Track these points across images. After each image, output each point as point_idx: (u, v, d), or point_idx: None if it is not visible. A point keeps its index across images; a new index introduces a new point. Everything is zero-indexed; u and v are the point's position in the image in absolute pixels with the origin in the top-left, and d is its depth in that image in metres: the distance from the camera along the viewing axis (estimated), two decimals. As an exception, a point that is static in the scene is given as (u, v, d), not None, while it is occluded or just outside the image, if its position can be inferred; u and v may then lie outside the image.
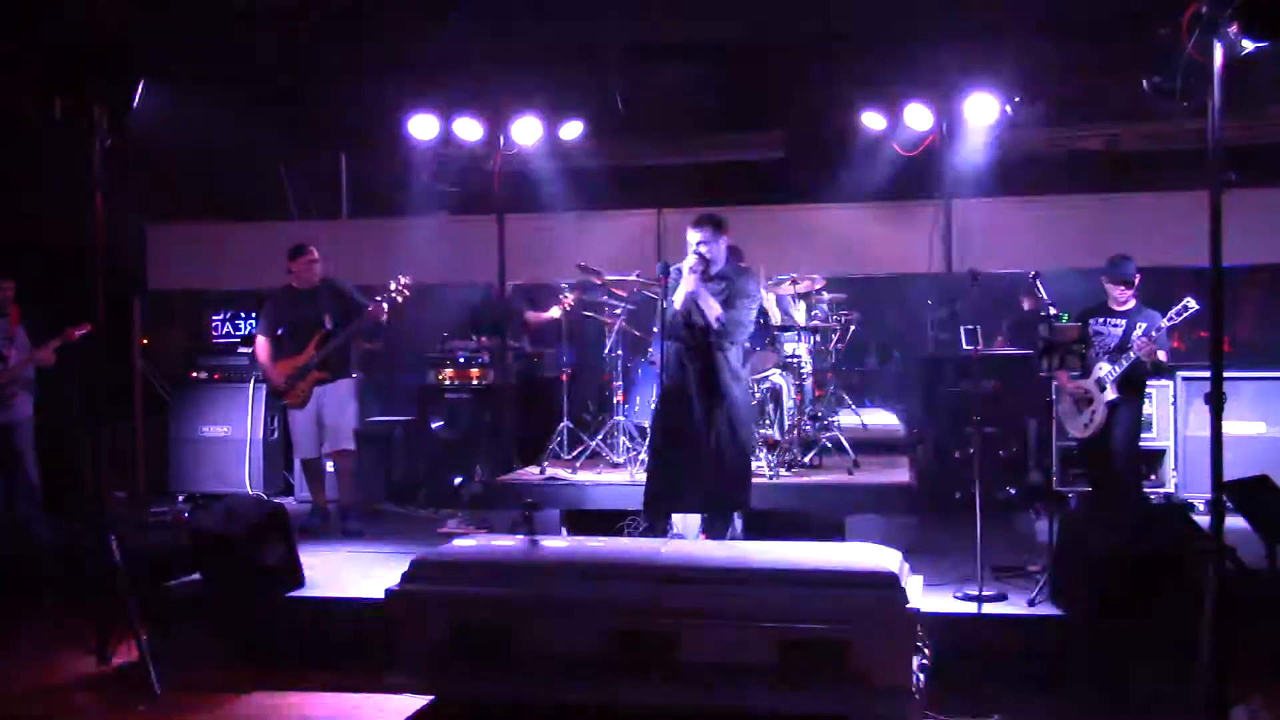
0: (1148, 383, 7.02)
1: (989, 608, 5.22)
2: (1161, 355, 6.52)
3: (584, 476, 7.27)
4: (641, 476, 6.48)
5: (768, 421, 7.45)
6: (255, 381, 8.81)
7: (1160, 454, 7.97)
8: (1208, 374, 4.21)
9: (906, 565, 4.68)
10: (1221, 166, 4.00)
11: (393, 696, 4.82)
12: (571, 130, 8.67)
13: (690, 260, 5.71)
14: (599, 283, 7.71)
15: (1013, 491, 8.11)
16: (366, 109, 9.31)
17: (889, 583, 4.38)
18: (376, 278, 7.80)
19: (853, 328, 9.24)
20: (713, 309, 5.69)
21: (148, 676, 5.07)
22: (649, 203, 9.52)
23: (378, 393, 9.80)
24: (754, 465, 6.48)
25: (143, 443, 9.70)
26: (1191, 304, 6.24)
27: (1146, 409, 7.40)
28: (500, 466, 8.11)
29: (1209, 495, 4.32)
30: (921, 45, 8.45)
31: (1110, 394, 6.60)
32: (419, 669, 4.69)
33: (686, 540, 6.11)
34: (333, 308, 7.52)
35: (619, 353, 7.61)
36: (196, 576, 5.89)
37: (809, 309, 8.39)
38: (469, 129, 8.53)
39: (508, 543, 5.47)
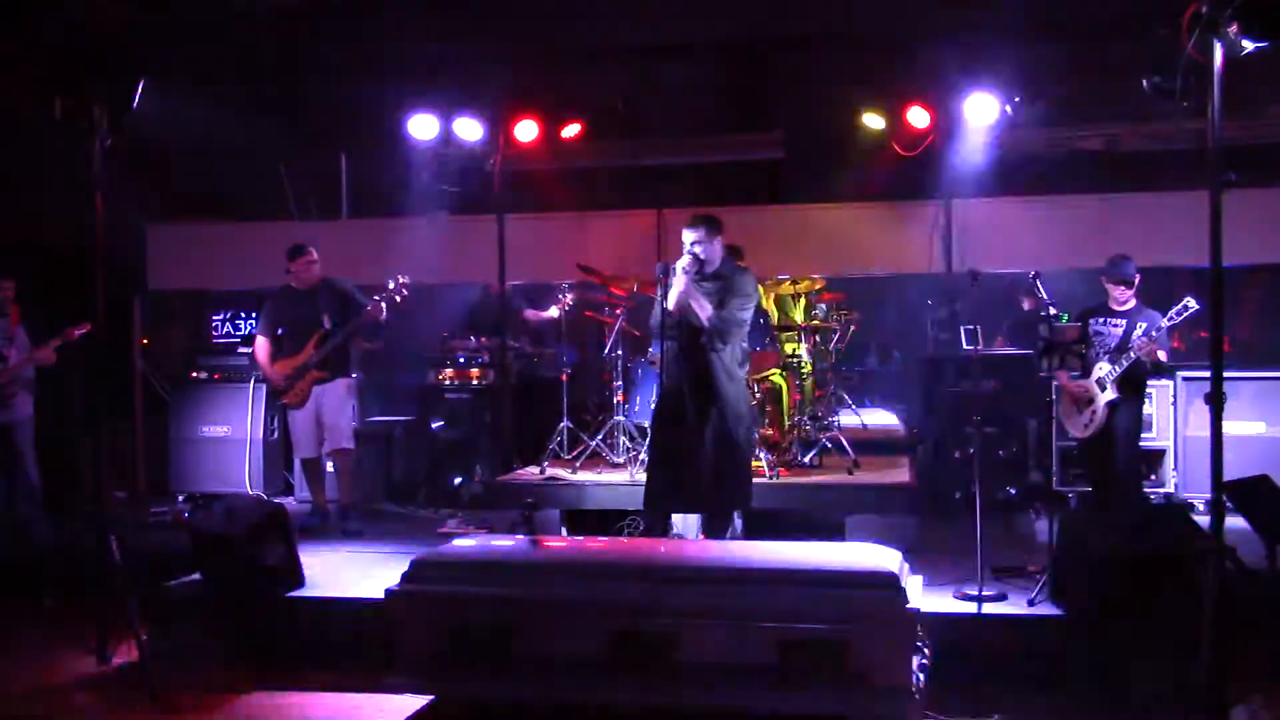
0: (1148, 383, 7.01)
1: (989, 608, 5.22)
2: (1162, 355, 6.52)
3: (584, 476, 7.27)
4: (641, 476, 6.48)
5: (767, 421, 7.46)
6: (255, 381, 8.80)
7: (1160, 454, 7.97)
8: (1208, 374, 4.21)
9: (906, 565, 4.68)
10: (1221, 166, 4.01)
11: (393, 696, 4.82)
12: (571, 130, 8.65)
13: (684, 260, 5.71)
14: (599, 282, 7.71)
15: (1013, 491, 8.11)
16: (366, 109, 9.32)
17: (889, 583, 4.38)
18: (376, 278, 7.80)
19: (853, 328, 9.24)
20: (704, 309, 5.69)
21: (148, 676, 5.07)
22: (649, 203, 9.52)
23: (378, 393, 9.81)
24: (754, 465, 6.48)
25: (143, 443, 9.70)
26: (1192, 304, 6.23)
27: (1146, 409, 7.40)
28: (500, 466, 8.12)
29: (1209, 495, 4.32)
30: (921, 45, 8.45)
31: (1110, 394, 6.60)
32: (419, 669, 4.69)
33: (686, 540, 6.11)
34: (332, 308, 7.53)
35: (619, 353, 7.61)
36: (196, 576, 5.89)
37: (809, 309, 8.40)
38: (469, 129, 8.52)
39: (508, 543, 5.47)
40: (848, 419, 9.01)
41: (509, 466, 8.03)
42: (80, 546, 6.50)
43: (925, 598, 4.75)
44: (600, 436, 7.64)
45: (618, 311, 7.71)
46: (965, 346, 8.02)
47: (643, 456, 6.93)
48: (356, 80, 9.18)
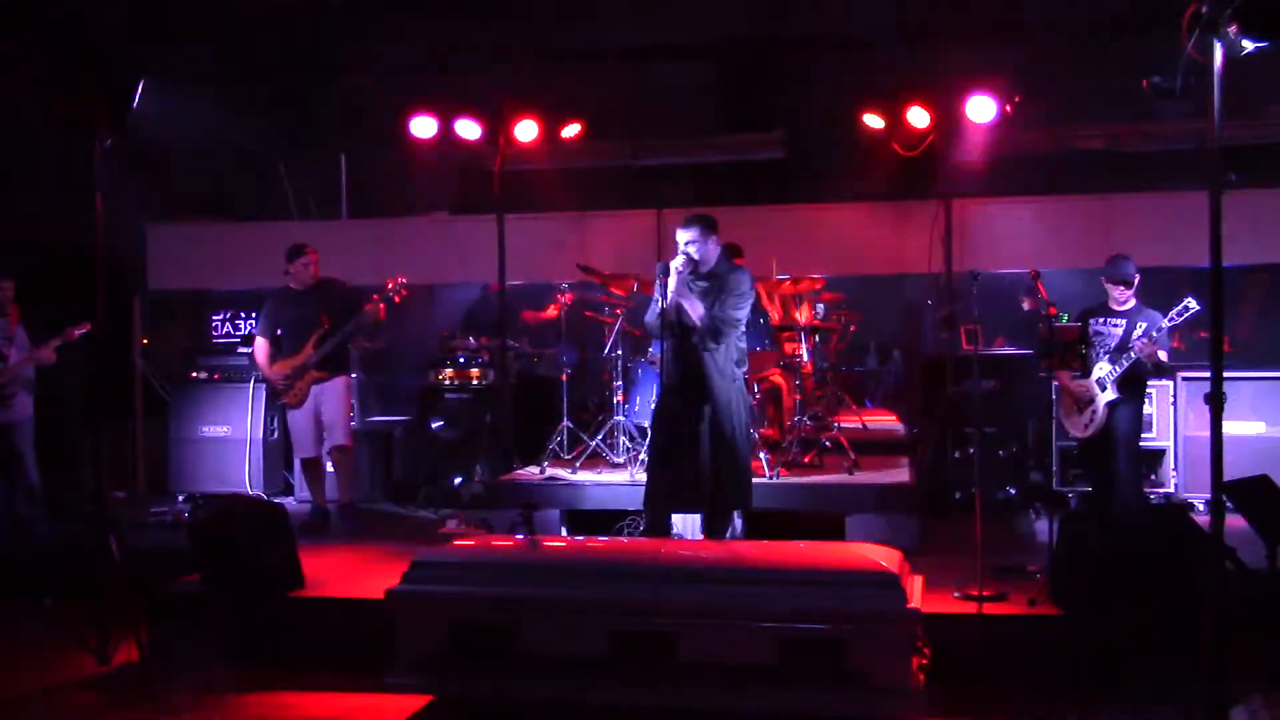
0: (1148, 383, 7.01)
1: (989, 608, 5.21)
2: (1163, 355, 6.52)
3: (584, 476, 7.26)
4: (641, 476, 6.47)
5: (768, 421, 7.45)
6: (255, 381, 8.80)
7: (1160, 454, 7.97)
8: (1208, 374, 4.21)
9: (907, 565, 4.68)
10: (1221, 166, 4.01)
11: (393, 696, 4.82)
12: (571, 130, 8.65)
13: (678, 260, 5.71)
14: (598, 282, 7.71)
15: (1013, 491, 8.11)
16: (366, 109, 9.33)
17: (889, 583, 4.38)
18: (376, 278, 7.81)
19: (852, 328, 9.23)
20: (695, 308, 5.69)
21: (148, 676, 5.07)
22: (649, 203, 9.53)
23: (378, 393, 9.81)
24: (754, 465, 6.47)
25: (143, 443, 9.70)
26: (1192, 304, 6.23)
27: (1146, 409, 7.40)
28: (500, 466, 8.12)
29: (1209, 495, 4.32)
30: (921, 45, 8.46)
31: (1110, 394, 6.60)
32: (419, 669, 4.69)
33: (686, 540, 6.11)
34: (331, 308, 7.53)
35: (619, 353, 7.60)
36: (196, 576, 5.89)
37: (809, 308, 8.39)
38: (469, 129, 8.52)
39: (508, 543, 5.47)
40: (848, 419, 9.01)
41: (509, 466, 8.03)
42: (80, 546, 6.51)
43: (925, 598, 4.76)
44: (600, 436, 7.64)
45: (618, 311, 7.70)
46: (965, 346, 8.01)
47: (643, 456, 6.92)
48: (356, 80, 9.20)
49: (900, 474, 7.28)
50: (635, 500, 6.48)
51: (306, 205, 10.52)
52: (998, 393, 8.14)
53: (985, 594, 5.26)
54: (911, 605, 4.36)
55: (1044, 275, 6.11)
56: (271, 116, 9.37)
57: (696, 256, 5.77)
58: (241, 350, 9.21)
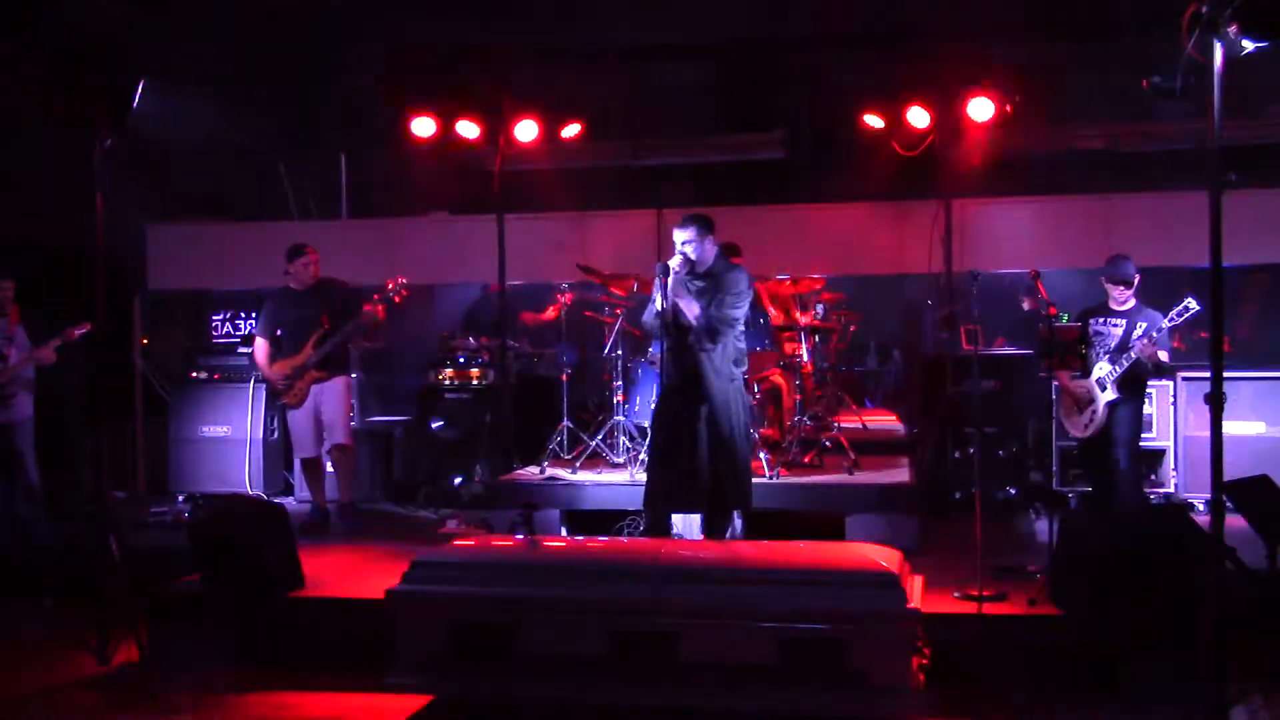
0: (1148, 383, 7.01)
1: (989, 608, 5.21)
2: (1163, 355, 6.52)
3: (584, 476, 7.26)
4: (641, 476, 6.47)
5: (768, 421, 7.44)
6: (255, 381, 8.80)
7: (1160, 454, 7.97)
8: (1208, 374, 4.21)
9: (907, 565, 4.68)
10: (1221, 166, 4.01)
11: (393, 696, 4.82)
12: (571, 130, 8.65)
13: (675, 260, 5.71)
14: (598, 282, 7.71)
15: (1013, 491, 8.11)
16: (366, 109, 9.33)
17: (889, 583, 4.38)
18: (376, 278, 7.80)
19: (852, 328, 9.23)
20: (691, 309, 5.69)
21: (148, 676, 5.07)
22: (649, 203, 9.53)
23: (378, 393, 9.81)
24: (754, 465, 6.47)
25: (143, 443, 9.70)
26: (1192, 304, 6.23)
27: (1146, 409, 7.40)
28: (500, 466, 8.12)
29: (1209, 495, 4.32)
30: (921, 45, 8.46)
31: (1110, 394, 6.60)
32: (419, 669, 4.69)
33: (686, 540, 6.11)
34: (330, 308, 7.53)
35: (619, 353, 7.60)
36: (196, 576, 5.89)
37: (808, 308, 8.39)
38: (469, 129, 8.52)
39: (508, 543, 5.47)
40: (848, 419, 9.00)
41: (509, 466, 8.03)
42: (80, 546, 6.51)
43: (925, 598, 4.76)
44: (600, 436, 7.64)
45: (618, 311, 7.70)
46: (965, 346, 8.01)
47: (643, 456, 6.92)
48: (356, 80, 9.19)
49: (900, 474, 7.27)
50: (635, 500, 6.48)
51: (306, 205, 10.52)
52: (998, 393, 8.14)
53: (985, 594, 5.26)
54: (911, 605, 4.36)
55: (1044, 275, 6.11)
56: (271, 116, 9.37)
57: (693, 256, 5.76)
58: (241, 350, 9.21)
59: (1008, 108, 8.04)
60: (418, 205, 9.85)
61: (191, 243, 10.06)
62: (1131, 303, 6.72)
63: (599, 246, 9.06)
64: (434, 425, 8.85)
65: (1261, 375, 7.87)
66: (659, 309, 5.68)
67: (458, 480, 8.71)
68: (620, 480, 7.06)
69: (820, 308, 8.50)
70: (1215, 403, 4.00)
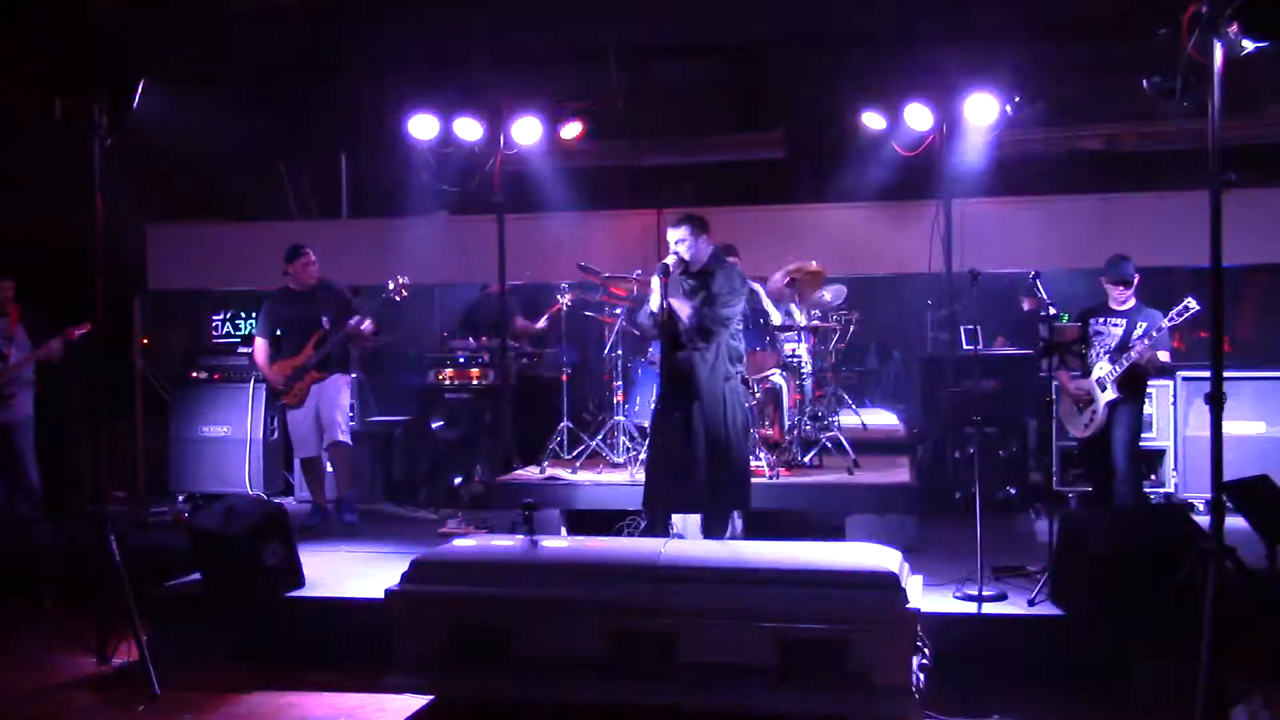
0: (1148, 383, 7.01)
1: (989, 608, 5.21)
2: (1163, 356, 6.52)
3: (584, 476, 7.27)
4: (641, 476, 6.48)
5: (768, 422, 7.45)
6: (255, 381, 8.80)
7: (1160, 454, 7.97)
8: (1208, 374, 4.21)
9: (906, 565, 4.68)
10: (1221, 166, 4.01)
11: (393, 696, 4.82)
12: (571, 130, 8.65)
13: (669, 259, 5.71)
14: (598, 283, 7.71)
15: (1013, 491, 8.11)
16: (366, 109, 9.32)
17: (889, 583, 4.38)
18: (376, 278, 7.80)
19: (853, 328, 9.24)
20: (683, 309, 5.69)
21: (148, 676, 5.07)
22: (649, 203, 9.53)
23: (378, 393, 9.81)
24: (753, 465, 6.47)
25: (143, 443, 9.70)
26: (1192, 304, 6.23)
27: (1146, 409, 7.40)
28: (500, 466, 8.12)
29: (1209, 495, 4.32)
30: (921, 45, 8.45)
31: (1110, 394, 6.60)
32: (419, 669, 4.69)
33: (686, 540, 6.11)
34: (330, 308, 7.54)
35: (619, 353, 7.61)
36: (196, 576, 5.89)
37: (808, 308, 8.39)
38: (469, 129, 8.52)
39: (508, 543, 5.47)
40: (848, 419, 9.01)
41: (509, 466, 8.03)
42: (80, 546, 6.49)
43: (925, 598, 4.76)
44: (600, 436, 7.64)
45: (617, 311, 7.71)
46: (965, 346, 8.01)
47: (642, 456, 6.93)
48: (356, 80, 9.18)
49: (900, 474, 7.28)
50: (635, 500, 6.48)
51: (306, 205, 10.52)
52: (998, 393, 8.14)
53: (985, 594, 5.27)
54: (911, 605, 4.36)
55: (1044, 275, 6.11)
56: (271, 116, 9.35)
57: (687, 255, 5.77)
58: (241, 350, 9.22)
59: (1008, 108, 8.05)
60: (418, 205, 9.84)
61: (191, 243, 10.06)
62: (1131, 303, 6.73)
63: (599, 246, 9.06)
64: (434, 425, 8.85)
65: (1261, 375, 7.87)
66: (654, 309, 5.69)
67: (458, 480, 8.72)
68: (620, 480, 7.07)
69: (820, 308, 8.50)
70: (1215, 403, 4.00)
